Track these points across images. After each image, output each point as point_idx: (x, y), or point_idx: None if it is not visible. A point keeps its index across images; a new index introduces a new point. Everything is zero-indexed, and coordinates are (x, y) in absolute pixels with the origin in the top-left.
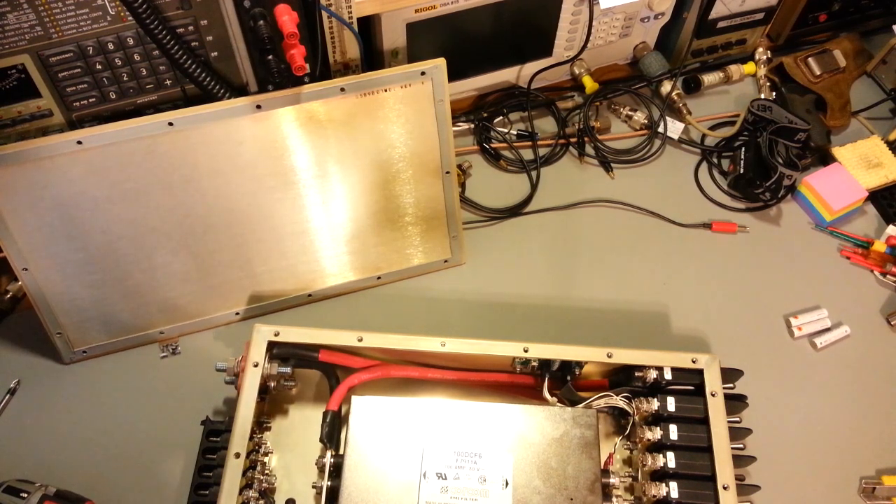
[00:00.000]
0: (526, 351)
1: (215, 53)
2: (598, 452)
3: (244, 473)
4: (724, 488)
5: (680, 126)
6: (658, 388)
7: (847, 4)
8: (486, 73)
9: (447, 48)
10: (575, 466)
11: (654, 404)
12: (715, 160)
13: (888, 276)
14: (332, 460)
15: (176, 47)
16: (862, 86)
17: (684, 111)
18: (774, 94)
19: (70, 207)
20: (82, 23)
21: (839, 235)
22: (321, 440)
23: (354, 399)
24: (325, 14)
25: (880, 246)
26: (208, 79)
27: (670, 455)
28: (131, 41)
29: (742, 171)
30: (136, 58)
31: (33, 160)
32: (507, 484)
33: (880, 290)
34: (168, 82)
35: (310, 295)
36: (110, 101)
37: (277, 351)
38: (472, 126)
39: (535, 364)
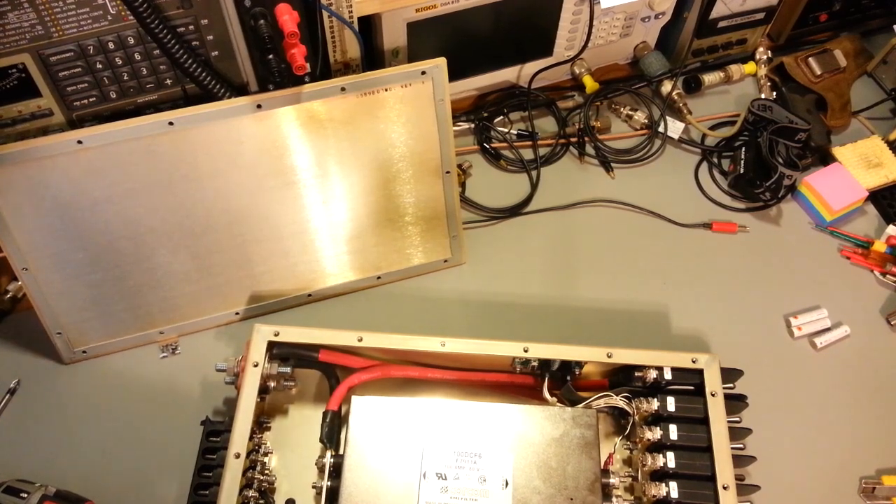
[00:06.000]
0: (526, 351)
1: (216, 53)
2: (598, 452)
3: (244, 473)
4: (724, 488)
5: (680, 126)
6: (658, 388)
7: (847, 4)
8: (487, 73)
9: (447, 48)
10: (575, 466)
11: (654, 404)
12: (715, 160)
13: (888, 276)
14: (332, 460)
15: (176, 47)
16: (862, 86)
17: (684, 111)
18: (775, 93)
19: (70, 207)
20: (83, 22)
21: (839, 235)
22: (321, 440)
23: (354, 399)
24: (325, 13)
25: (880, 246)
26: (209, 78)
27: (670, 455)
28: (132, 40)
29: (742, 171)
30: (137, 57)
31: (33, 160)
32: (507, 484)
33: (880, 290)
34: (168, 82)
35: (310, 295)
36: (111, 101)
37: (277, 351)
38: (473, 126)
39: (535, 364)
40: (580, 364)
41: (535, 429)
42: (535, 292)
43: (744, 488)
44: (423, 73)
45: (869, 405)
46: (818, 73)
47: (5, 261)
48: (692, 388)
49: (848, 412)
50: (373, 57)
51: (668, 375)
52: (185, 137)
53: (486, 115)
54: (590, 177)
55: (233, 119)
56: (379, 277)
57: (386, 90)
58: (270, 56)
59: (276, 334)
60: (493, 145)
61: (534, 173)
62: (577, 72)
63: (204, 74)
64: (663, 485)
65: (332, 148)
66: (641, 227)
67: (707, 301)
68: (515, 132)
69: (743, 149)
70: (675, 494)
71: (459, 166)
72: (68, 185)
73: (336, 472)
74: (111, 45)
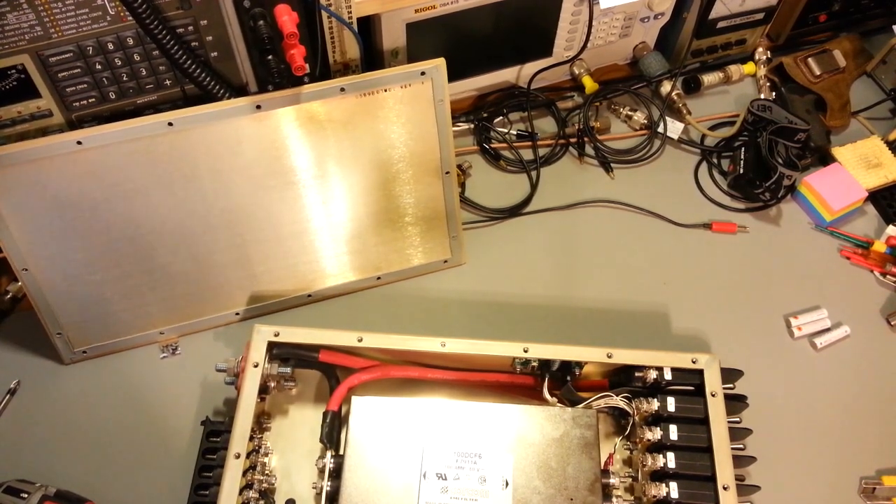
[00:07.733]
0: (526, 351)
1: (215, 53)
2: (598, 452)
3: (244, 474)
4: (724, 488)
5: (680, 126)
6: (658, 389)
7: (847, 4)
8: (486, 73)
9: (447, 48)
10: (575, 466)
11: (654, 404)
12: (715, 160)
13: (888, 276)
14: (332, 461)
15: (176, 47)
16: (862, 86)
17: (684, 111)
18: (774, 94)
19: (70, 208)
20: (82, 23)
21: (839, 235)
22: (321, 440)
23: (354, 399)
24: (324, 14)
25: (880, 246)
26: (208, 79)
27: (670, 455)
28: (131, 41)
29: (742, 171)
30: (136, 58)
31: (33, 160)
32: (507, 484)
33: (880, 290)
34: (168, 82)
35: (310, 295)
36: (110, 102)
37: (277, 351)
38: (472, 126)
39: (535, 364)
40: (580, 364)
41: (535, 429)
42: (535, 292)
43: (744, 488)
44: (423, 73)
45: (869, 405)
46: (817, 73)
47: (5, 261)
48: (692, 388)
49: (848, 412)
50: (372, 57)
51: (668, 376)
52: (184, 138)
53: (485, 115)
54: (589, 177)
55: (232, 119)
56: (379, 278)
57: (385, 91)
58: (270, 56)
59: (277, 335)
60: (492, 146)
61: (533, 174)
62: (577, 72)
63: (203, 75)
64: (663, 485)
65: (332, 148)
66: (641, 227)
67: (707, 301)
68: (515, 132)
69: (742, 149)
70: (675, 495)
71: (459, 167)
72: (68, 185)
73: (336, 472)
74: (110, 46)
